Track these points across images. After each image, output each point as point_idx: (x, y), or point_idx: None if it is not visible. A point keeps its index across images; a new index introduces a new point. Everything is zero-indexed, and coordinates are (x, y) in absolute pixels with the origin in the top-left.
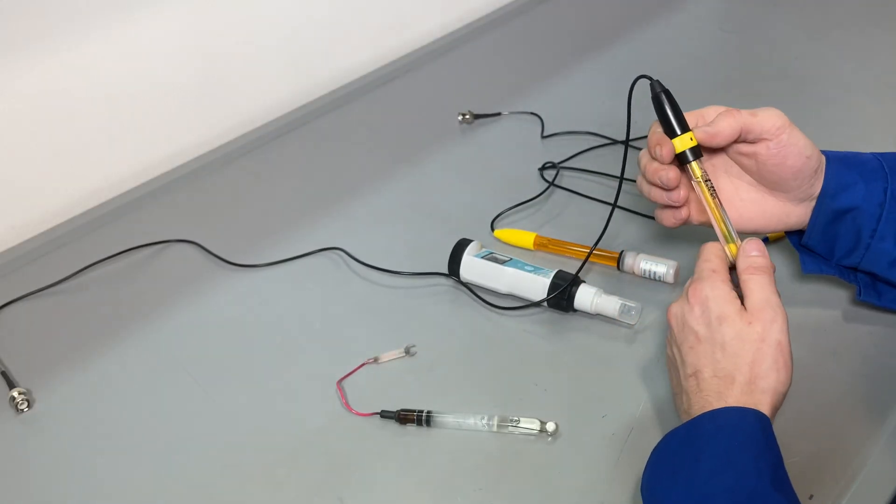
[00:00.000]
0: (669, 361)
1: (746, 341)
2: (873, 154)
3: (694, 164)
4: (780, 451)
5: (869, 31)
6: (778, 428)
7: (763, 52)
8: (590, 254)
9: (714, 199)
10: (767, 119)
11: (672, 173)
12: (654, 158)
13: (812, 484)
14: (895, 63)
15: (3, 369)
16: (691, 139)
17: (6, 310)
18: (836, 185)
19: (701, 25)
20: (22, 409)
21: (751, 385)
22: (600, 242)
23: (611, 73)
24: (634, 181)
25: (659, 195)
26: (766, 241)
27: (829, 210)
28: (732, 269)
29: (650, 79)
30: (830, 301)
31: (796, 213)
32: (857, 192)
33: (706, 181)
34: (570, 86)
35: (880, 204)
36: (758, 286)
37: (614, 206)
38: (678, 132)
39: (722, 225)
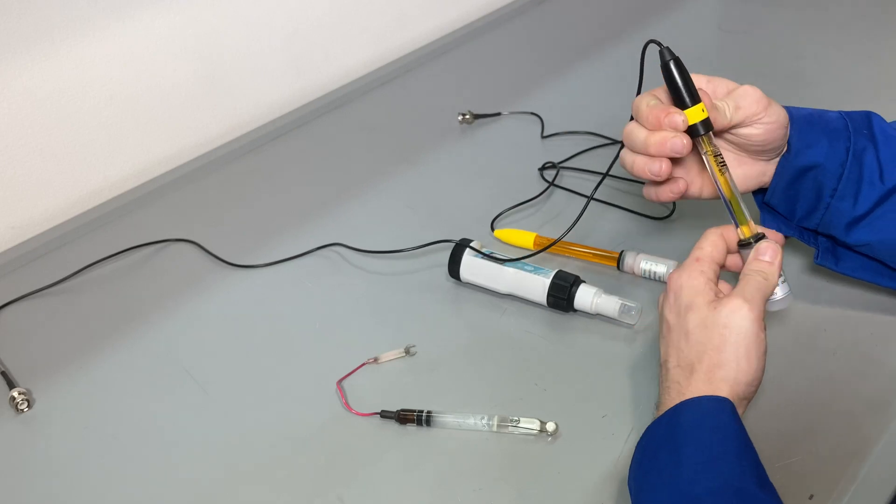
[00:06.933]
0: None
1: (709, 328)
2: (839, 112)
3: (705, 137)
4: (754, 446)
5: (869, 31)
6: (778, 428)
7: (763, 52)
8: (554, 242)
9: (724, 174)
10: (749, 107)
11: (686, 139)
12: (653, 130)
13: (812, 484)
14: (895, 63)
15: (3, 369)
16: (703, 111)
17: (6, 310)
18: (799, 143)
19: (701, 25)
20: (22, 409)
21: (709, 374)
22: (600, 243)
23: (611, 73)
24: (626, 179)
25: (642, 169)
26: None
27: (792, 168)
28: (742, 245)
29: (660, 45)
30: (831, 301)
31: (770, 172)
32: (820, 150)
33: (717, 156)
34: (570, 86)
35: (842, 163)
36: (750, 286)
37: (590, 198)
38: (689, 103)
39: (735, 202)
